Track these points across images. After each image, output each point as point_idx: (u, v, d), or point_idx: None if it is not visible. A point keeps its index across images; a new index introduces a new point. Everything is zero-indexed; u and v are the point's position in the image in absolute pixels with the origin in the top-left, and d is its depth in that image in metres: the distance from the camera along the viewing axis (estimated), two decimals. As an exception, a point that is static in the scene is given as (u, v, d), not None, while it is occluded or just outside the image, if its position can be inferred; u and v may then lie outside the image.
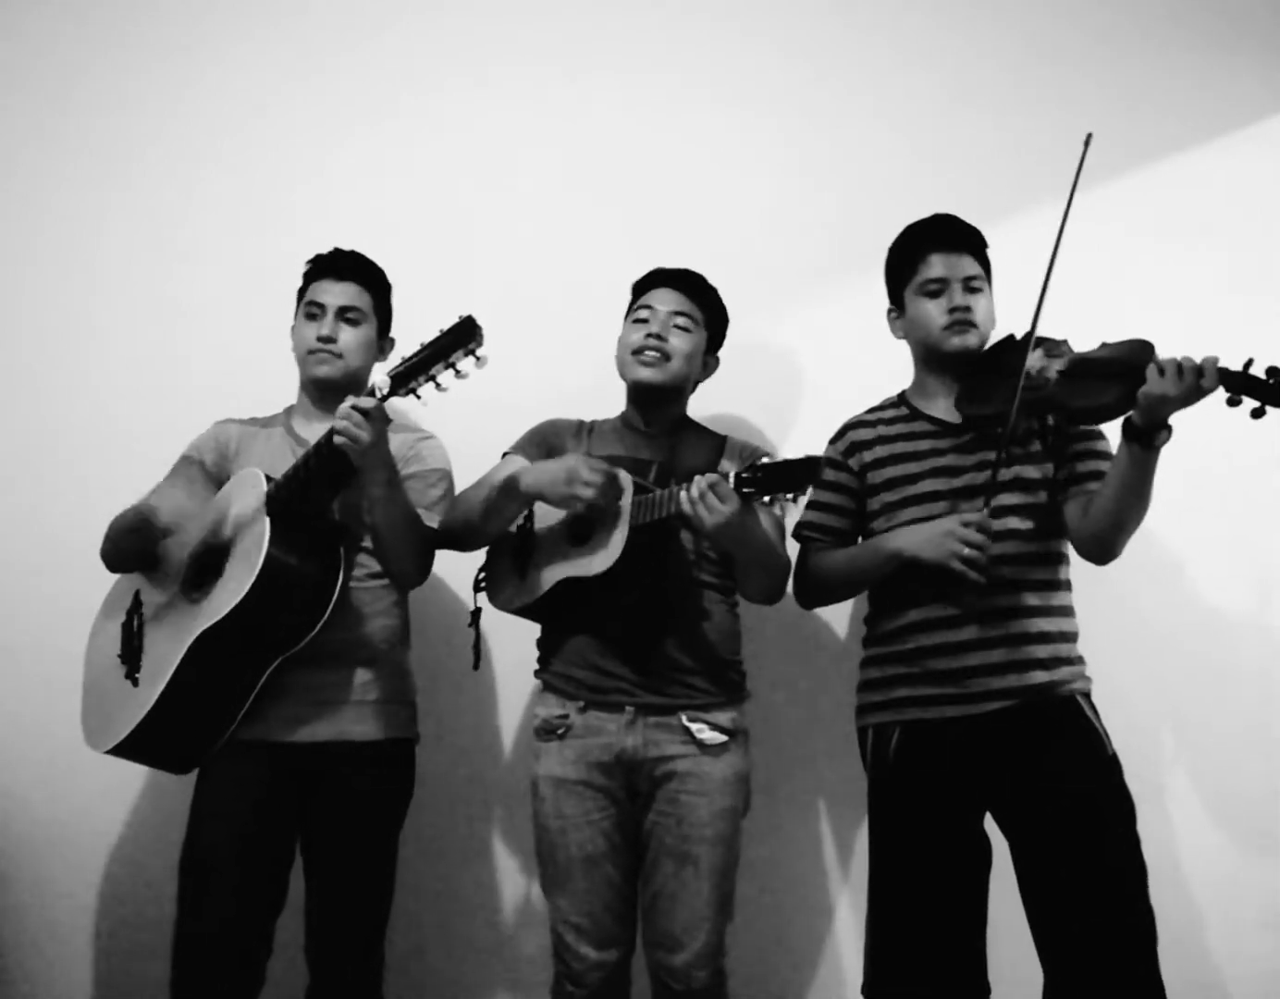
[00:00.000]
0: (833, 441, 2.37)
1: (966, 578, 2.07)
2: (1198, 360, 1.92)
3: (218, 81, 2.92)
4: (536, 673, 2.35)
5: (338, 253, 2.40)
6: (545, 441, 2.37)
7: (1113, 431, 2.09)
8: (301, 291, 2.42)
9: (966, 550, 2.05)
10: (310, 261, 2.42)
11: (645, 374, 2.31)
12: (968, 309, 2.22)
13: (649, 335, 2.30)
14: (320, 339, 2.32)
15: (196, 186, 2.89)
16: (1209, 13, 2.93)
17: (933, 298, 2.24)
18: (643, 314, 2.33)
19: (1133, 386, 1.97)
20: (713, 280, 2.40)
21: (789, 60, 2.93)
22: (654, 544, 2.14)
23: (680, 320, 2.32)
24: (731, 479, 1.93)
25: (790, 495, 1.91)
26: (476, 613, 2.35)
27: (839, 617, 2.70)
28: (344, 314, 2.34)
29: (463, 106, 2.91)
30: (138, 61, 2.93)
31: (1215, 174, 2.85)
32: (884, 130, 2.90)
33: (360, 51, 2.93)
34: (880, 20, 2.95)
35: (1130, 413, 1.98)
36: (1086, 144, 2.15)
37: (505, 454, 2.37)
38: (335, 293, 2.35)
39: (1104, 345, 2.11)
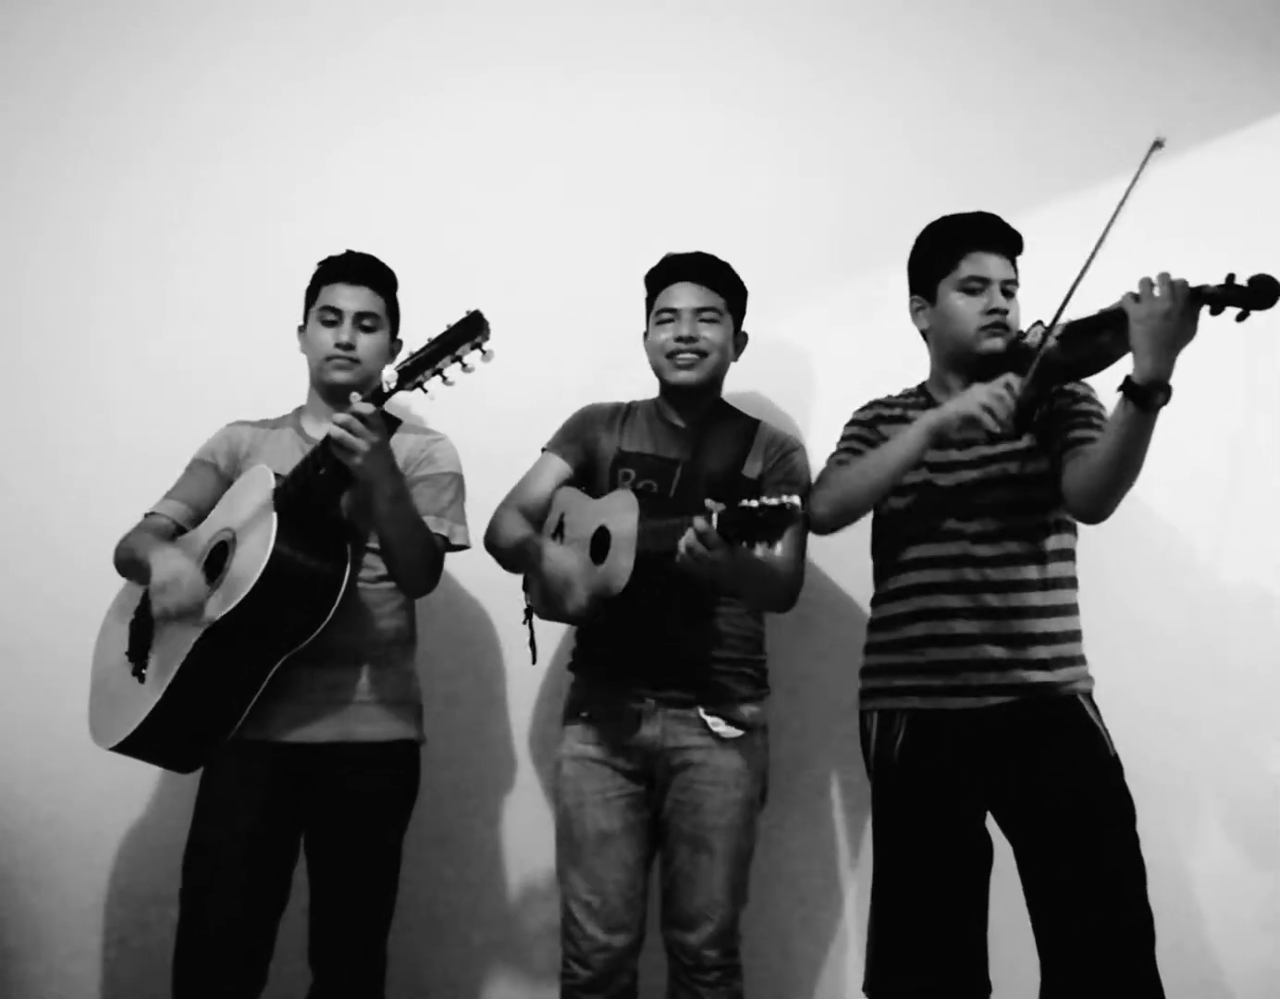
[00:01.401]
0: (859, 411, 2.38)
1: (981, 423, 2.02)
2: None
3: (218, 81, 2.91)
4: (570, 666, 2.41)
5: (352, 256, 2.38)
6: (580, 436, 2.41)
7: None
8: (311, 292, 2.39)
9: (988, 399, 2.02)
10: (322, 263, 2.39)
11: (683, 376, 2.32)
12: (1005, 312, 2.21)
13: (680, 338, 2.30)
14: (339, 346, 2.30)
15: (196, 187, 2.88)
16: (1209, 13, 2.93)
17: (971, 295, 2.22)
18: (667, 315, 2.34)
19: (1122, 329, 1.97)
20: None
21: (789, 60, 2.92)
22: (663, 563, 2.14)
23: (707, 314, 2.32)
24: (715, 521, 1.94)
25: (769, 542, 1.92)
26: (529, 611, 2.40)
27: (848, 613, 2.69)
28: (360, 321, 2.32)
29: (463, 106, 2.91)
30: (137, 62, 2.92)
31: (1215, 174, 2.85)
32: (884, 130, 2.90)
33: (360, 51, 2.92)
34: (880, 20, 2.95)
35: (1129, 373, 1.95)
36: (1155, 147, 2.04)
37: (544, 450, 2.41)
38: (351, 298, 2.32)
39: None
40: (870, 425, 2.33)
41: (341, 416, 2.04)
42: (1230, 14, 2.93)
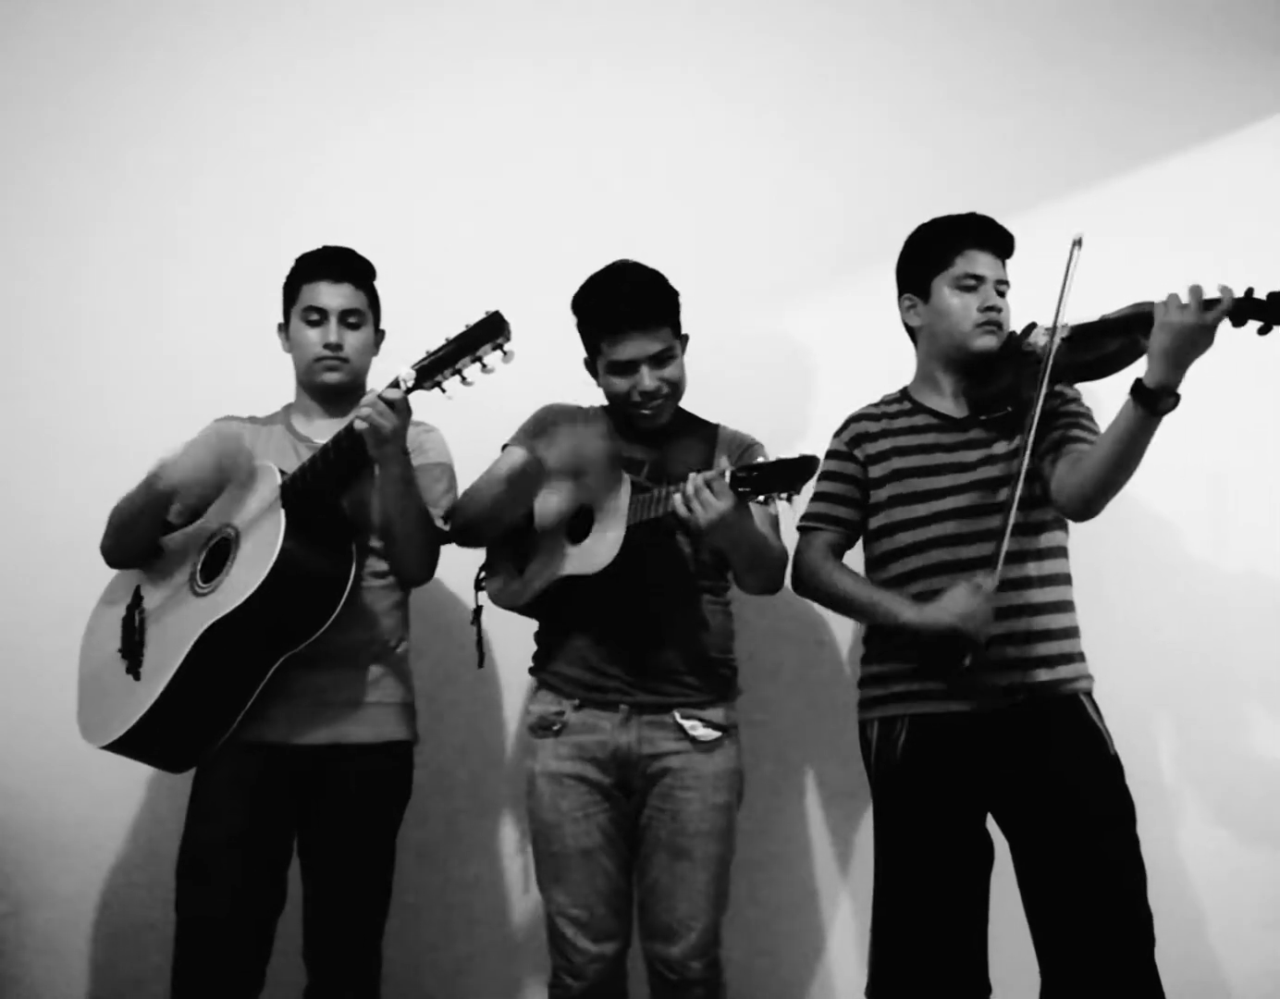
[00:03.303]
0: (838, 433, 2.36)
1: (962, 634, 2.06)
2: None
3: (212, 80, 2.90)
4: (532, 671, 2.35)
5: (330, 252, 2.35)
6: (544, 431, 2.35)
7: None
8: (291, 289, 2.35)
9: (968, 608, 2.05)
10: (300, 260, 2.36)
11: (653, 421, 2.28)
12: (999, 311, 2.22)
13: (644, 393, 2.24)
14: (327, 347, 2.29)
15: (189, 186, 2.87)
16: (1209, 13, 2.93)
17: (967, 293, 2.23)
18: (621, 367, 2.24)
19: (1134, 336, 1.99)
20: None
21: (791, 59, 2.93)
22: (650, 544, 2.13)
23: (664, 356, 2.24)
24: (727, 477, 1.92)
25: (784, 495, 1.89)
26: (478, 611, 2.36)
27: (830, 613, 2.69)
28: (345, 318, 2.30)
29: (459, 105, 2.90)
30: (130, 62, 2.91)
31: (1215, 174, 2.85)
32: (885, 129, 2.90)
33: (358, 48, 2.92)
34: (882, 19, 2.95)
35: (1139, 377, 1.96)
36: (1076, 245, 2.11)
37: (505, 446, 2.36)
38: (334, 296, 2.30)
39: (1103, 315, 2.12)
40: (848, 453, 2.30)
41: (369, 397, 2.02)
42: (1230, 14, 2.93)
